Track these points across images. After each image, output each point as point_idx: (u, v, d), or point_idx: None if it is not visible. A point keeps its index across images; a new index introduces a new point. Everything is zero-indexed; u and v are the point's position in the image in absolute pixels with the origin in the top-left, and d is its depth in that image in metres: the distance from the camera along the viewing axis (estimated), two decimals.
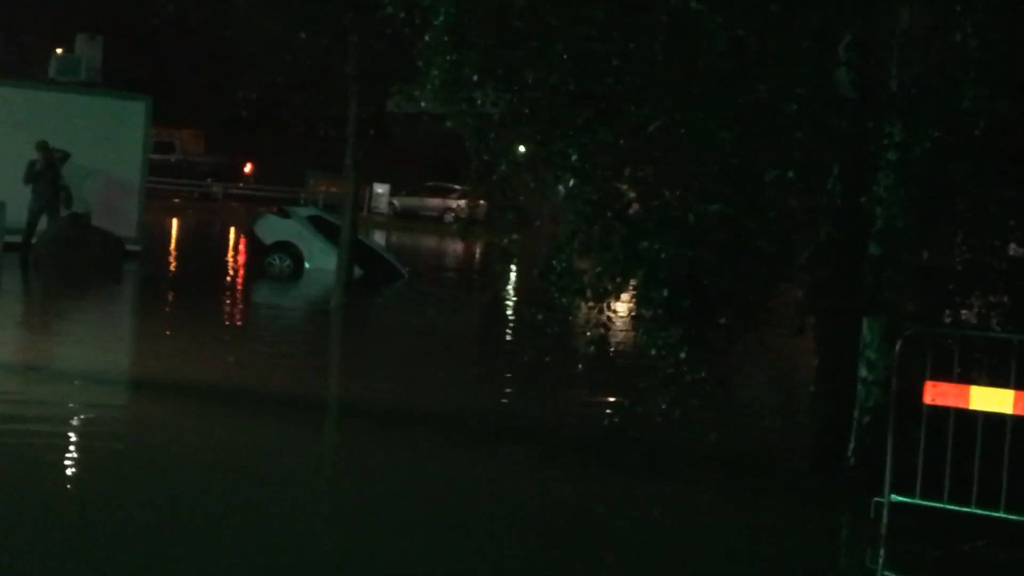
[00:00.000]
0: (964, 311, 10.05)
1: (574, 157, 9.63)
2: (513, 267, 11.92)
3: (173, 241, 32.61)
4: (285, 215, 24.81)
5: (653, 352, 9.75)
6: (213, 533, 7.63)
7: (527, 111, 9.89)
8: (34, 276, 20.39)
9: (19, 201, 21.31)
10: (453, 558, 7.58)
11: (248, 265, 25.37)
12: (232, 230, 36.51)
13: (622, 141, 9.80)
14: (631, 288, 10.15)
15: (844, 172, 9.70)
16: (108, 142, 23.20)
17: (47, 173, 21.50)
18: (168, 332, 15.78)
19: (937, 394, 8.34)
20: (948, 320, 9.92)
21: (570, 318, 10.55)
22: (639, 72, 9.53)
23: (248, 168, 54.92)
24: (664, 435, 10.27)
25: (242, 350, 14.80)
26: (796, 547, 8.52)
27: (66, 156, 21.78)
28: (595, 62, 9.64)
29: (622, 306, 10.87)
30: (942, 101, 8.91)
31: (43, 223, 21.67)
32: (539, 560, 7.72)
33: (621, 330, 13.67)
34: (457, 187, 48.55)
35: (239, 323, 18.40)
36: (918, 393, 8.40)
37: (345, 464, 10.08)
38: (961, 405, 8.29)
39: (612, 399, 12.74)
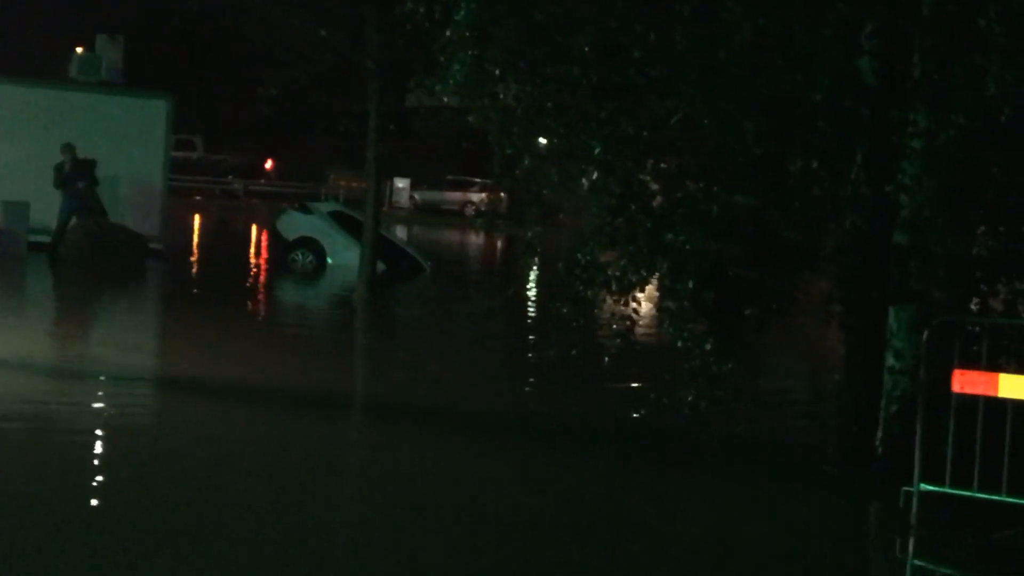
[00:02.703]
0: (991, 299, 9.99)
1: (597, 150, 9.63)
2: (537, 260, 11.87)
3: (196, 239, 32.71)
4: (307, 211, 24.85)
5: (679, 344, 9.75)
6: (233, 534, 7.64)
7: (550, 104, 9.89)
8: (60, 276, 20.48)
9: (42, 202, 21.47)
10: (478, 557, 7.58)
11: (271, 261, 25.43)
12: (254, 227, 36.61)
13: (645, 133, 9.80)
14: (656, 280, 10.15)
15: (868, 161, 9.66)
16: (130, 141, 23.27)
17: (74, 176, 21.53)
18: (193, 330, 15.81)
19: (965, 382, 8.30)
20: (975, 308, 9.87)
21: (595, 311, 10.55)
22: (661, 64, 9.52)
23: (269, 165, 55.08)
24: (691, 428, 10.25)
25: (266, 347, 14.83)
26: (825, 538, 8.50)
27: (93, 163, 21.77)
28: (617, 54, 9.63)
29: (647, 299, 10.85)
30: (967, 88, 8.86)
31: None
32: (568, 556, 7.71)
33: (646, 323, 13.65)
34: (477, 180, 48.64)
35: (263, 320, 18.45)
36: (946, 382, 8.37)
37: (368, 461, 10.07)
38: (990, 393, 8.25)
39: (639, 392, 12.73)
